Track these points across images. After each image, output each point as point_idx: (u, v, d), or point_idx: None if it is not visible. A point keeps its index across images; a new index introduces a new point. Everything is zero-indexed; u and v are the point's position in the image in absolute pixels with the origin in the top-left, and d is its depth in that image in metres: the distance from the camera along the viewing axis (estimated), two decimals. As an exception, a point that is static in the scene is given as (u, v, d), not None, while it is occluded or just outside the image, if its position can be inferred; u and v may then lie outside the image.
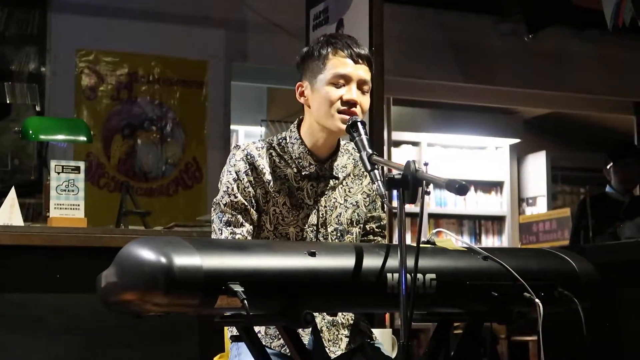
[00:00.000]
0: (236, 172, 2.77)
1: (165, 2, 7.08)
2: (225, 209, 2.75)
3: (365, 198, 2.92)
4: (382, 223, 3.00)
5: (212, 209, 2.80)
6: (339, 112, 2.73)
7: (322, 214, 2.82)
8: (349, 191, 2.89)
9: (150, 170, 6.95)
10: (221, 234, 2.74)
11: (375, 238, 2.99)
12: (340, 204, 2.86)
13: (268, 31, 7.21)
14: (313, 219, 2.81)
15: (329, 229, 2.82)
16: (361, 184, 2.91)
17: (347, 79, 2.74)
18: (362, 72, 2.77)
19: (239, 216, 2.75)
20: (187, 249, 2.09)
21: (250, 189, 2.77)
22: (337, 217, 2.84)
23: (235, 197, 2.75)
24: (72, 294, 3.79)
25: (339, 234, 2.84)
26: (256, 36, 7.28)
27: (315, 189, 2.82)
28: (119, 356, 3.85)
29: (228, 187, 2.77)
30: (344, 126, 2.72)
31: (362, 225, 2.92)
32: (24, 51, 6.67)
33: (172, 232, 4.23)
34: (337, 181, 2.86)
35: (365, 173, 2.60)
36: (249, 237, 2.75)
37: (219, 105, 7.19)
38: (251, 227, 2.77)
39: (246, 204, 2.76)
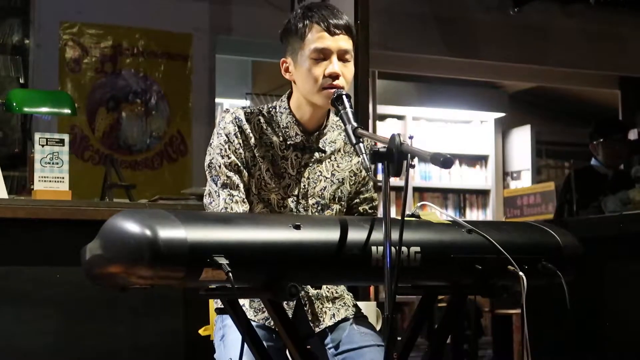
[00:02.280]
0: (226, 135, 2.77)
1: (149, -26, 7.05)
2: (220, 171, 2.75)
3: (351, 176, 2.92)
4: (374, 204, 3.01)
5: (207, 172, 2.79)
6: (324, 87, 2.72)
7: (304, 185, 2.82)
8: (337, 167, 2.89)
9: (134, 143, 6.94)
10: (218, 196, 2.74)
11: None
12: (326, 177, 2.86)
13: (253, 4, 7.18)
14: (294, 189, 2.81)
15: (310, 201, 2.83)
16: (350, 161, 2.91)
17: (326, 53, 2.73)
18: (342, 42, 2.75)
19: (234, 177, 2.75)
20: (172, 222, 2.09)
21: (241, 150, 2.77)
22: (320, 190, 2.84)
23: (229, 158, 2.75)
24: (57, 266, 3.78)
25: (319, 207, 2.84)
26: (241, 9, 7.25)
27: (299, 160, 2.83)
28: (103, 329, 3.85)
29: (221, 149, 2.77)
30: (329, 101, 2.72)
31: (344, 203, 2.91)
32: (8, 23, 6.63)
33: (156, 205, 4.22)
34: (323, 154, 2.86)
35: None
36: (245, 199, 2.76)
37: (204, 78, 7.18)
38: (245, 188, 2.77)
39: (239, 164, 2.76)
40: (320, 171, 2.85)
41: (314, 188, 2.83)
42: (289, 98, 2.87)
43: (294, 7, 5.67)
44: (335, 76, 2.71)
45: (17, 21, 6.67)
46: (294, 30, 2.77)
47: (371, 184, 2.97)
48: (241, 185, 2.76)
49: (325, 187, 2.85)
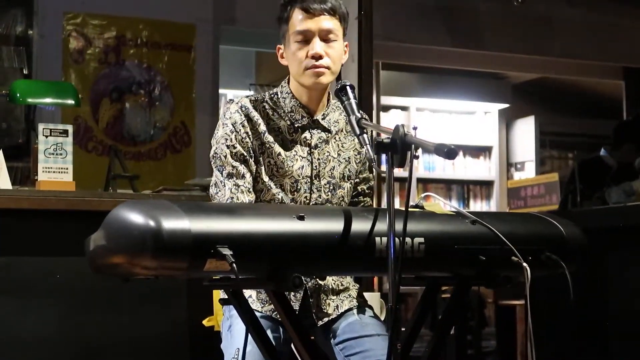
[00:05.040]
0: (232, 124, 2.79)
1: (153, -35, 7.04)
2: (226, 161, 2.76)
3: (356, 155, 2.95)
4: (370, 184, 3.03)
5: (212, 162, 2.81)
6: (307, 68, 2.76)
7: (316, 166, 2.84)
8: (342, 146, 2.91)
9: (138, 134, 6.94)
10: (224, 186, 2.75)
11: (365, 199, 3.02)
12: (334, 157, 2.88)
13: (256, -6, 7.18)
14: (307, 170, 2.83)
15: (322, 182, 2.85)
16: (353, 140, 2.93)
17: (308, 35, 2.77)
18: (324, 22, 2.77)
19: (240, 167, 2.76)
20: (176, 213, 2.09)
21: (248, 139, 2.78)
22: (330, 170, 2.86)
23: (234, 148, 2.77)
24: (61, 257, 3.79)
25: (331, 187, 2.86)
26: (244, -1, 7.25)
27: (308, 141, 2.84)
28: (107, 319, 3.86)
29: (227, 139, 2.78)
30: (316, 80, 2.77)
31: (352, 182, 2.94)
32: (11, 14, 6.63)
33: (160, 196, 4.23)
34: (330, 134, 2.88)
35: None
36: (251, 188, 2.77)
37: (208, 69, 7.17)
38: (251, 177, 2.78)
39: (245, 154, 2.77)
40: (328, 151, 2.87)
41: (324, 168, 2.85)
42: (289, 82, 2.90)
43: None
44: (317, 57, 2.74)
45: (21, 12, 6.66)
46: (281, 16, 2.84)
47: (368, 164, 2.97)
48: (247, 175, 2.77)
49: (334, 167, 2.87)
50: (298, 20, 2.77)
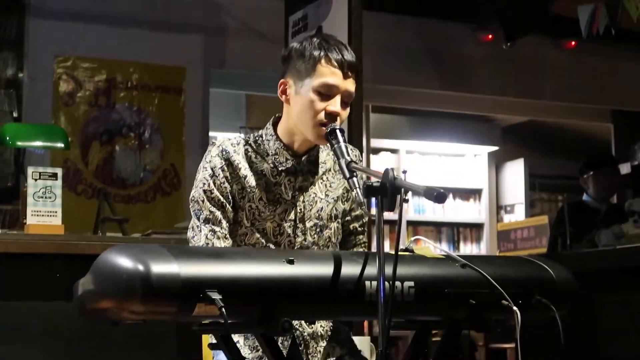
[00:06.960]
0: (212, 169, 2.77)
1: (143, 8, 7.06)
2: (203, 205, 2.74)
3: (344, 193, 2.92)
4: (363, 221, 3.01)
5: (190, 206, 2.79)
6: (321, 124, 2.72)
7: (301, 209, 2.82)
8: (330, 186, 2.89)
9: (128, 177, 6.93)
10: (200, 231, 2.73)
11: (358, 237, 3.00)
12: (321, 198, 2.86)
13: (246, 38, 7.20)
14: (291, 214, 2.81)
15: (308, 224, 2.82)
16: (342, 179, 2.91)
17: (334, 90, 2.72)
18: (350, 85, 2.75)
19: (217, 213, 2.74)
20: (165, 257, 2.08)
21: (227, 184, 2.76)
22: (317, 211, 2.84)
23: (212, 193, 2.75)
24: (49, 301, 3.77)
25: (318, 229, 2.84)
26: (234, 43, 7.27)
27: (293, 184, 2.82)
28: (96, 364, 3.84)
29: (204, 183, 2.76)
30: (322, 139, 2.73)
31: (340, 221, 2.91)
32: (2, 56, 6.63)
33: (149, 239, 4.22)
34: (316, 175, 2.86)
35: None
36: (227, 234, 2.75)
37: (198, 111, 7.18)
38: (227, 224, 2.76)
39: (222, 200, 2.75)
40: (314, 193, 2.85)
41: (310, 210, 2.83)
42: (274, 124, 2.87)
43: (288, 41, 5.69)
44: (335, 115, 2.71)
45: (11, 55, 6.67)
46: (307, 56, 2.74)
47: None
48: (224, 222, 2.75)
49: (321, 208, 2.85)
50: (330, 72, 2.71)
